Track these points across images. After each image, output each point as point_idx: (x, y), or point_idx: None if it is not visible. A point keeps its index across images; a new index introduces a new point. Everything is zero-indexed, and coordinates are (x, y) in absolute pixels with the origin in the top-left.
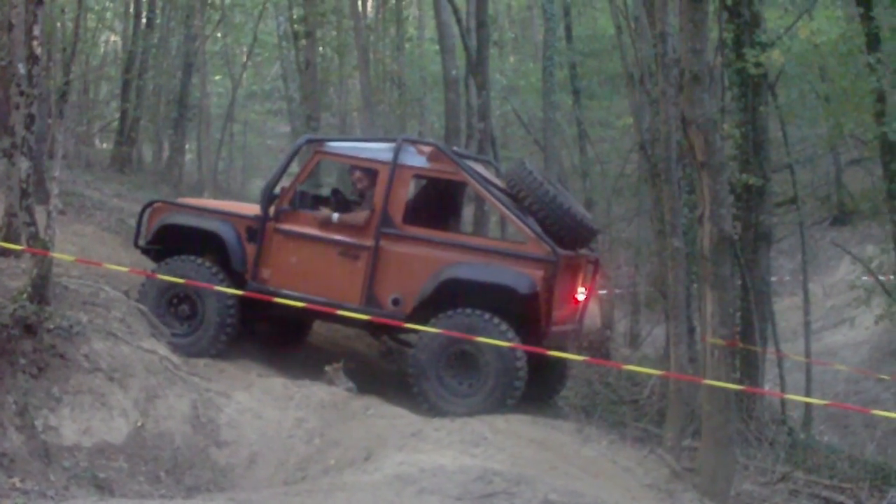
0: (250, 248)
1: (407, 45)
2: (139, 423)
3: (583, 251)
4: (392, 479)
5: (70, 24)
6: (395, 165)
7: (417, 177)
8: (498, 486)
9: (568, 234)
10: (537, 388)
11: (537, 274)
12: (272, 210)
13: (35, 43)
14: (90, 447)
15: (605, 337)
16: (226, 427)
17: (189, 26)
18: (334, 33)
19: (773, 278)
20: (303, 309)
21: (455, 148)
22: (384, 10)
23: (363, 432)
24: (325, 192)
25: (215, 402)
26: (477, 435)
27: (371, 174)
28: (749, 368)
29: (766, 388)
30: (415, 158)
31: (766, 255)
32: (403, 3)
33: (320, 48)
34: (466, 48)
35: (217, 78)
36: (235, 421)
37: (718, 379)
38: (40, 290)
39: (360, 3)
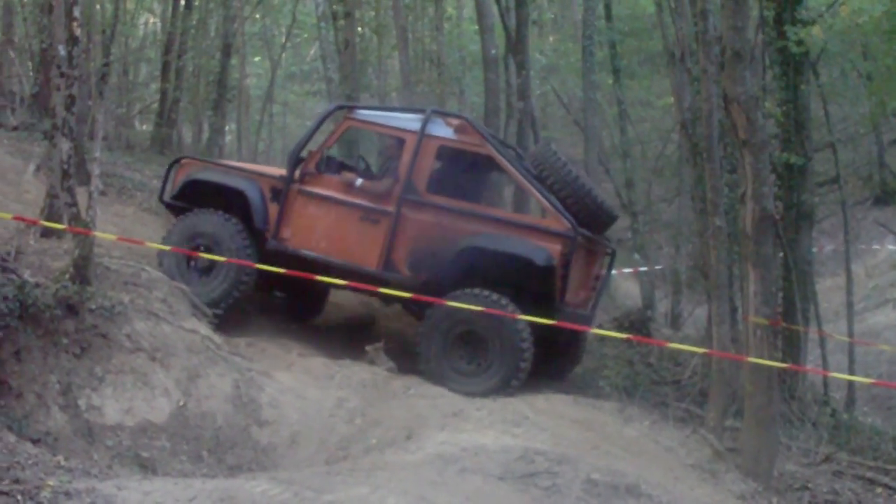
0: (273, 208)
1: (446, 25)
2: (181, 403)
3: (601, 240)
4: (434, 459)
5: (109, 6)
6: (422, 135)
7: (443, 147)
8: (540, 465)
9: (587, 216)
10: (551, 366)
11: (555, 248)
12: (298, 172)
13: (75, 25)
14: (133, 426)
15: (646, 317)
16: (267, 406)
17: (228, 7)
18: (373, 13)
19: (815, 258)
20: (319, 271)
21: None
22: None
23: (404, 412)
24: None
25: (257, 381)
26: (518, 415)
27: (399, 143)
28: (791, 348)
29: (808, 367)
30: (442, 129)
31: (808, 235)
32: None
33: (359, 28)
34: (505, 27)
35: (256, 59)
36: (277, 400)
37: (761, 358)
38: (82, 270)
39: None
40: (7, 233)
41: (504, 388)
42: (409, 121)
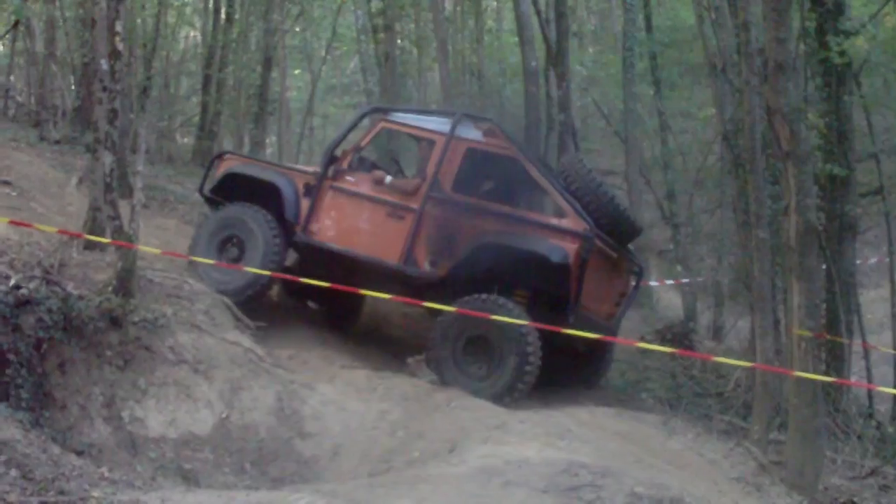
0: (305, 203)
1: (486, 37)
2: (224, 415)
3: (628, 256)
4: (477, 472)
5: (151, 21)
6: (451, 137)
7: (471, 149)
8: (584, 478)
9: (611, 225)
10: (576, 375)
11: (571, 247)
12: (331, 169)
13: (117, 39)
14: (176, 438)
15: (689, 329)
16: (310, 419)
17: (268, 21)
18: (413, 26)
19: (859, 269)
20: (344, 264)
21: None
22: (462, 2)
23: (447, 424)
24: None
25: (299, 393)
26: (561, 427)
27: (429, 144)
28: (835, 361)
29: (853, 381)
30: (471, 132)
31: (852, 246)
32: None
33: (399, 41)
34: (546, 39)
35: (296, 72)
36: (319, 412)
37: (805, 371)
38: (125, 282)
39: None
40: (50, 245)
41: (510, 392)
42: (440, 123)
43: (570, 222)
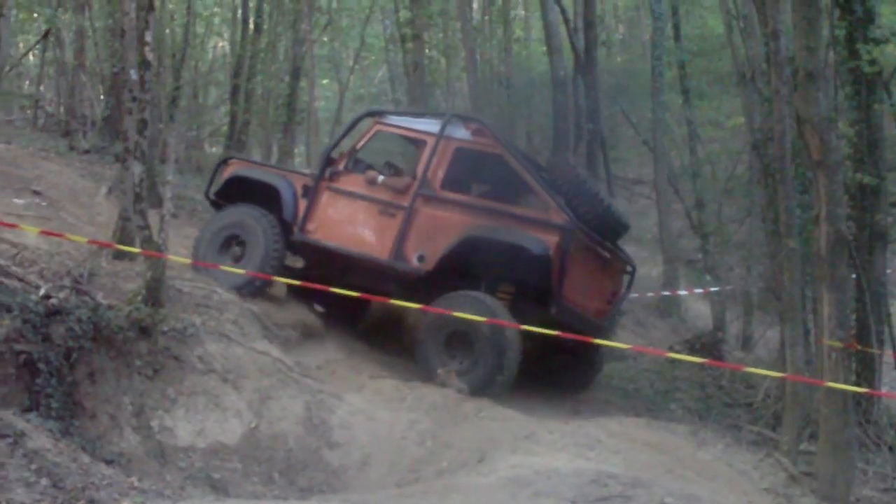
0: (302, 203)
1: (514, 47)
2: (253, 425)
3: (621, 255)
4: (506, 482)
5: (179, 31)
6: (440, 137)
7: (460, 148)
8: (613, 489)
9: (597, 221)
10: (568, 374)
11: (552, 239)
12: (328, 172)
13: (147, 49)
14: (205, 448)
15: (718, 339)
16: (338, 428)
17: (296, 31)
18: (441, 35)
19: (889, 279)
20: (338, 261)
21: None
22: (491, 11)
23: (476, 434)
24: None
25: (328, 403)
26: (591, 438)
27: (421, 144)
28: (866, 371)
29: (884, 391)
30: (459, 132)
31: (882, 256)
32: (510, 4)
33: (427, 50)
34: (574, 49)
35: (325, 82)
36: (348, 422)
37: (836, 382)
38: (154, 292)
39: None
40: (80, 255)
41: (489, 386)
42: (431, 124)
43: (552, 215)
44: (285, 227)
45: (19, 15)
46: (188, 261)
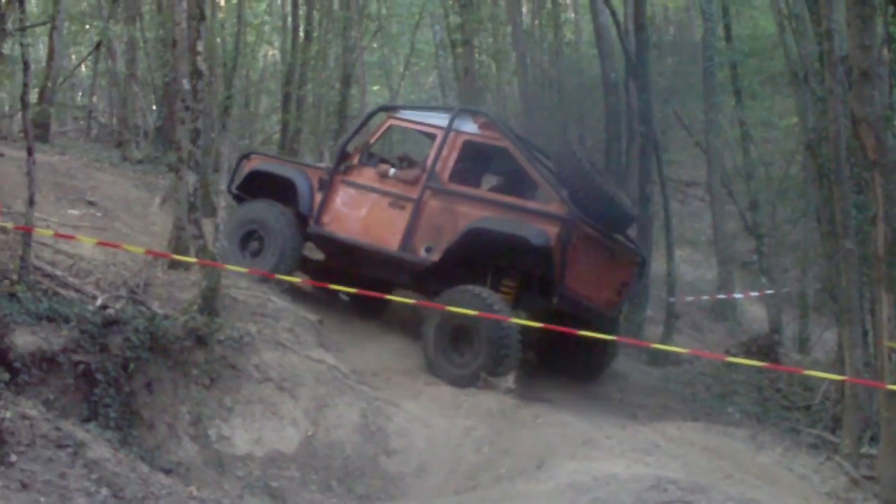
0: (318, 196)
1: (565, 50)
2: (310, 433)
3: (629, 247)
4: (565, 488)
5: (230, 40)
6: (448, 130)
7: (467, 142)
8: (673, 494)
9: (601, 212)
10: (581, 364)
11: (552, 230)
12: (342, 165)
13: (199, 59)
14: (262, 456)
15: (774, 341)
16: (395, 435)
17: (346, 38)
18: (491, 40)
19: None
20: (350, 252)
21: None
22: (541, 15)
23: (533, 440)
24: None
25: (384, 410)
26: (649, 443)
27: (431, 138)
28: None
29: None
30: (467, 126)
31: None
32: (560, 7)
33: (477, 55)
34: (625, 51)
35: (375, 88)
36: (404, 429)
37: None
38: (210, 301)
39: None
40: (135, 265)
41: (490, 377)
42: (440, 118)
43: (553, 207)
44: (303, 220)
45: (71, 27)
46: (244, 269)
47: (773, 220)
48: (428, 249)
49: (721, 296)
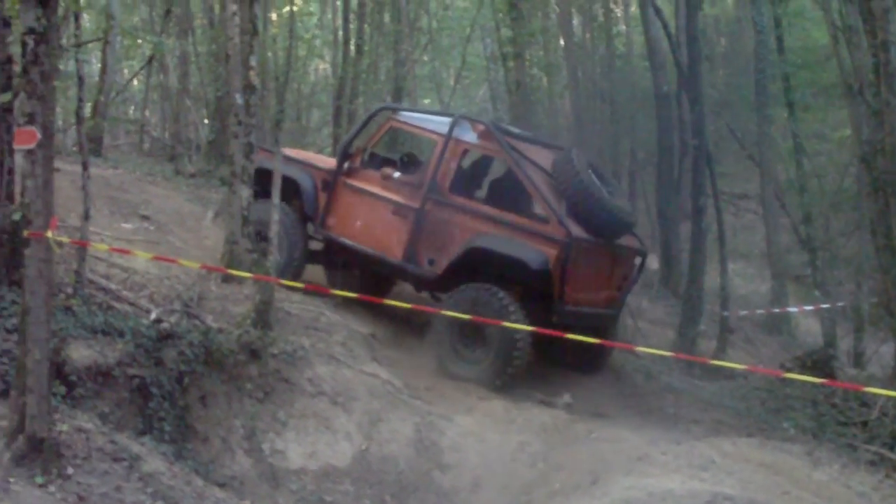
0: (322, 197)
1: (617, 63)
2: (363, 447)
3: (626, 243)
4: None
5: (282, 54)
6: (448, 138)
7: (467, 151)
8: None
9: (598, 223)
10: (578, 358)
11: (551, 252)
12: (345, 166)
13: (252, 73)
14: (316, 470)
15: (829, 355)
16: (449, 450)
17: (397, 51)
18: (542, 53)
19: None
20: (354, 258)
21: (516, 130)
22: (592, 28)
23: (587, 456)
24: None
25: (437, 425)
26: (705, 458)
27: (431, 144)
28: None
29: None
30: (467, 134)
31: None
32: (612, 20)
33: (528, 68)
34: (678, 63)
35: (426, 101)
36: (458, 444)
37: None
38: (263, 315)
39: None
40: (189, 278)
41: (499, 376)
42: (441, 124)
43: (552, 228)
44: (308, 220)
45: (124, 41)
46: (300, 285)
47: (827, 233)
48: (431, 262)
49: (775, 310)
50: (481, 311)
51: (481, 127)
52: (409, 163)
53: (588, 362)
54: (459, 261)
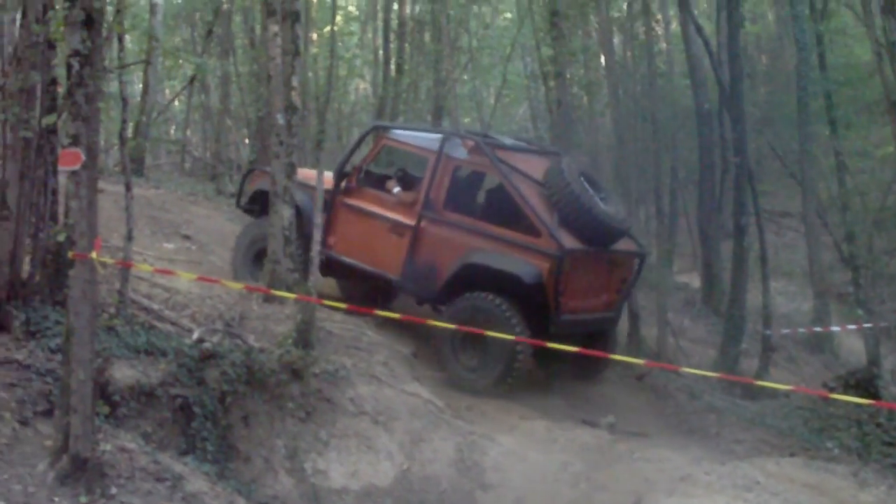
0: (322, 217)
1: (658, 81)
2: (405, 467)
3: (623, 247)
4: None
5: (323, 74)
6: (440, 155)
7: (458, 168)
8: None
9: (590, 232)
10: (577, 365)
11: (544, 266)
12: (342, 185)
13: (293, 93)
14: (358, 490)
15: (873, 374)
16: (491, 470)
17: (438, 70)
18: (582, 72)
19: None
20: (356, 276)
21: (510, 139)
22: (633, 46)
23: (630, 476)
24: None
25: (479, 444)
26: (749, 479)
27: (423, 161)
28: None
29: None
30: (458, 151)
31: None
32: (653, 38)
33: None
34: (719, 81)
35: (466, 120)
36: (500, 464)
37: None
38: (305, 334)
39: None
40: (231, 298)
41: (501, 383)
42: (432, 141)
43: (544, 241)
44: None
45: (165, 62)
46: (343, 305)
47: (870, 251)
48: (429, 278)
49: (817, 328)
50: (482, 319)
51: (471, 143)
52: (403, 178)
53: (587, 368)
54: (456, 276)
